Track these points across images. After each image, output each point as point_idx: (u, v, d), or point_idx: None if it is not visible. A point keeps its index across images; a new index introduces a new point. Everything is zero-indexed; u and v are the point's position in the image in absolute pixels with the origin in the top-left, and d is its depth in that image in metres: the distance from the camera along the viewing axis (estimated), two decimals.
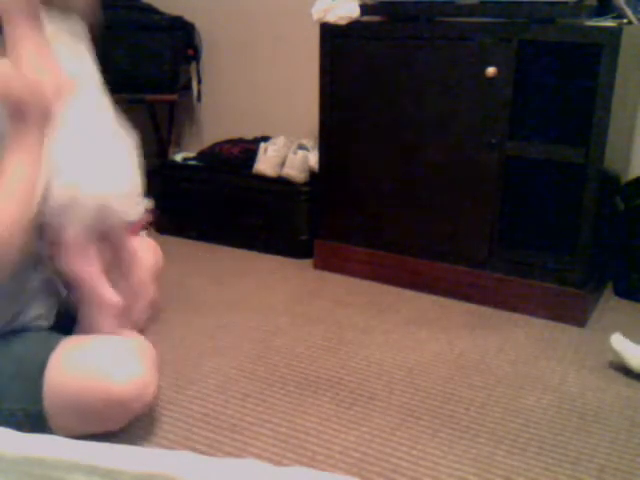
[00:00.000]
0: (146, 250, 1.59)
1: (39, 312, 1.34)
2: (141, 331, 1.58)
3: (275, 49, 2.51)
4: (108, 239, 1.36)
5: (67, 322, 1.42)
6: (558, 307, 1.79)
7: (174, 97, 2.56)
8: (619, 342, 1.54)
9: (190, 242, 2.39)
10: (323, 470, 1.19)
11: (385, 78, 1.89)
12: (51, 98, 1.16)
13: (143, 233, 1.62)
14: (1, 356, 1.24)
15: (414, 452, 1.26)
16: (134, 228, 1.44)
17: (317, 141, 2.07)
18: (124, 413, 1.24)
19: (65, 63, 1.24)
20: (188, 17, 2.54)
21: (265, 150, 2.27)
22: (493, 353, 1.64)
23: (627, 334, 1.74)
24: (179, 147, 2.77)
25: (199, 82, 2.64)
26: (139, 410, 1.25)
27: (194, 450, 1.23)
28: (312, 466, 1.20)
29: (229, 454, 1.24)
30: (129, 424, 1.32)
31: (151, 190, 1.48)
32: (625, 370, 1.54)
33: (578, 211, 1.72)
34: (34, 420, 1.20)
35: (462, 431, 1.33)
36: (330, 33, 1.92)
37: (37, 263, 1.35)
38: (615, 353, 1.54)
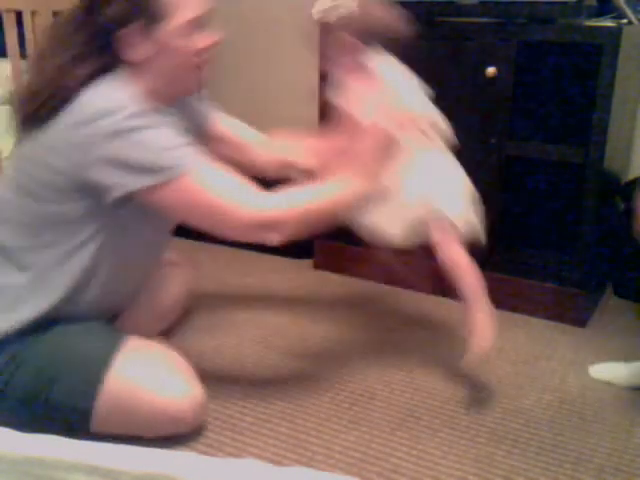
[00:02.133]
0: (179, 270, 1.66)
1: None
2: (167, 332, 1.62)
3: (275, 49, 2.51)
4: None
5: None
6: (558, 307, 1.79)
7: None
8: (599, 372, 1.53)
9: (190, 242, 2.39)
10: (323, 470, 1.19)
11: None
12: (391, 137, 1.31)
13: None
14: (68, 347, 1.27)
15: (414, 452, 1.26)
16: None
17: None
18: (170, 429, 1.26)
19: (403, 94, 1.35)
20: None
21: None
22: (493, 353, 1.63)
23: (627, 334, 1.74)
24: None
25: None
26: (183, 429, 1.27)
27: (194, 450, 1.23)
28: (312, 466, 1.20)
29: (229, 454, 1.24)
30: None
31: None
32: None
33: (578, 211, 1.71)
34: (78, 417, 1.22)
35: (462, 431, 1.33)
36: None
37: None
38: (600, 381, 1.52)
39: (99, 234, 1.25)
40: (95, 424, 1.22)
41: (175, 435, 1.26)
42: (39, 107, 1.19)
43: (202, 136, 1.44)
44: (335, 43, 1.40)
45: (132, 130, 1.14)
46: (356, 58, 1.38)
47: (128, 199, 1.19)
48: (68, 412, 1.23)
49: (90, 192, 1.19)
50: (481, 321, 1.35)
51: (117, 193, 1.17)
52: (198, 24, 1.21)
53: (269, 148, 1.59)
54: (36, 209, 1.23)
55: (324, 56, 1.44)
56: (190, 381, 1.29)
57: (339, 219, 1.42)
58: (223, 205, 1.20)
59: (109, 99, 1.17)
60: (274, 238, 1.25)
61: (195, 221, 1.23)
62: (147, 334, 1.41)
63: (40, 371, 1.23)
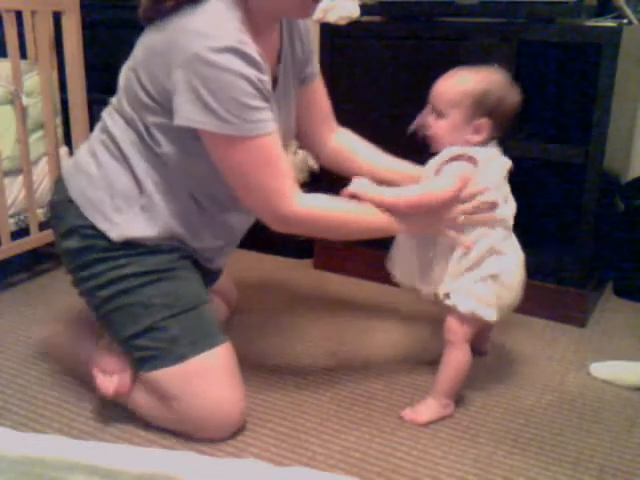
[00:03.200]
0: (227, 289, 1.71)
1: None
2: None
3: None
4: None
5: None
6: (558, 307, 1.79)
7: None
8: (599, 372, 1.53)
9: None
10: (323, 470, 1.19)
11: (385, 78, 1.89)
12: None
13: None
14: (185, 310, 1.30)
15: (414, 452, 1.26)
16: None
17: None
18: (212, 427, 1.28)
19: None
20: None
21: None
22: (493, 353, 1.63)
23: (627, 334, 1.74)
24: None
25: None
26: (221, 433, 1.29)
27: (194, 450, 1.23)
28: (312, 466, 1.20)
29: (229, 454, 1.24)
30: (128, 423, 1.32)
31: None
32: None
33: (578, 211, 1.72)
34: (149, 362, 1.27)
35: (462, 431, 1.33)
36: (330, 33, 1.93)
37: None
38: (600, 381, 1.52)
39: (181, 159, 1.26)
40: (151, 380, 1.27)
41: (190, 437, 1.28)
42: (152, 6, 1.24)
43: (294, 91, 1.42)
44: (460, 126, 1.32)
45: (222, 67, 1.11)
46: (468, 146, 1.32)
47: (194, 133, 1.18)
48: (123, 351, 1.29)
49: (168, 109, 1.18)
50: (429, 404, 1.37)
51: (182, 122, 1.16)
52: None
53: (349, 144, 1.58)
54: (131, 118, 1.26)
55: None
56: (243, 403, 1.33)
57: (353, 239, 1.41)
58: (273, 183, 1.20)
59: (213, 20, 1.15)
60: (282, 229, 1.27)
61: (235, 182, 1.23)
62: None
63: (157, 305, 1.28)
